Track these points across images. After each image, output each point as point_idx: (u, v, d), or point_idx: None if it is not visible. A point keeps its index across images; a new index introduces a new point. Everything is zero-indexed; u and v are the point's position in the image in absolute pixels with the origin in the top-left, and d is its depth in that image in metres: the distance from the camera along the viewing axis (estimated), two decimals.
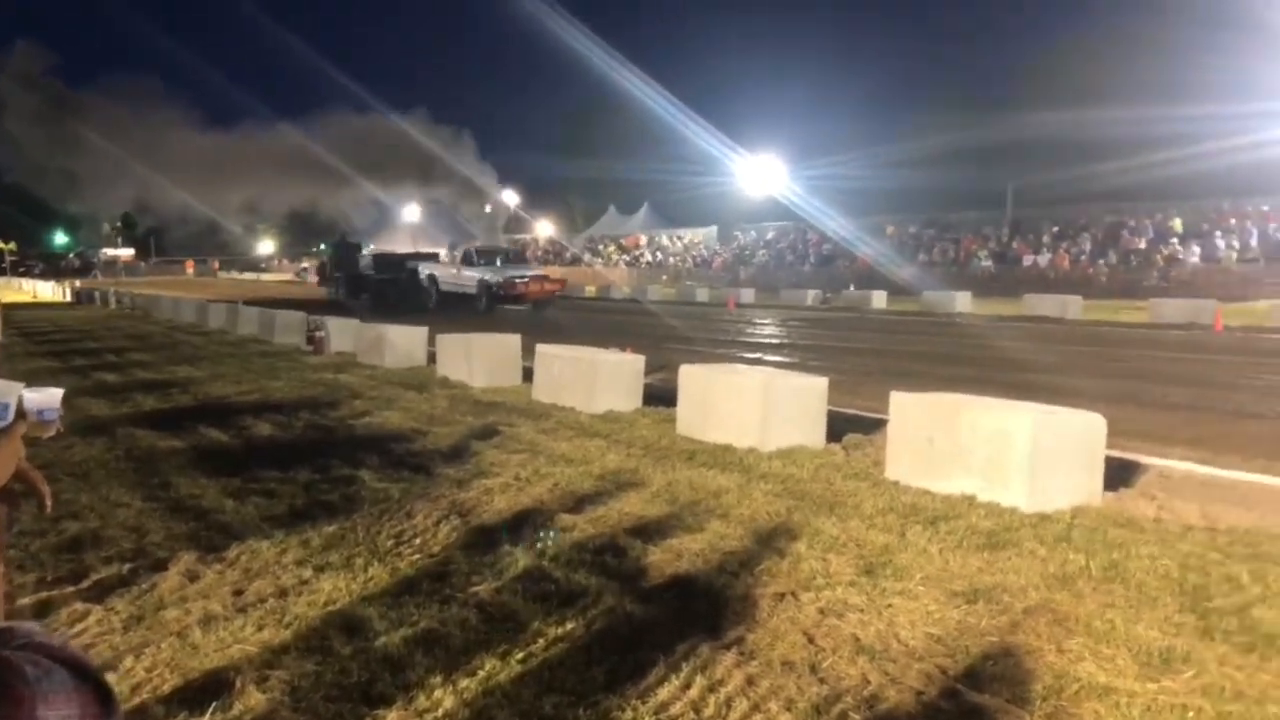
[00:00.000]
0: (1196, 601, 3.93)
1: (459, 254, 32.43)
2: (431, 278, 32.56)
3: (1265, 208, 36.11)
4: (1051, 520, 5.09)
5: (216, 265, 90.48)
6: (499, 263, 31.18)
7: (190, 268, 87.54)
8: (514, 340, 11.29)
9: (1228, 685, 3.18)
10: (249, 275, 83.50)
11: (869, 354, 16.83)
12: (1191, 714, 3.00)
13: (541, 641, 3.58)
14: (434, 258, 36.95)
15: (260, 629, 3.76)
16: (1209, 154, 35.20)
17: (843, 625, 3.75)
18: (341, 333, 15.42)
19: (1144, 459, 6.82)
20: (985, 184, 45.53)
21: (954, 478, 5.69)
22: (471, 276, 30.29)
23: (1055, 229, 41.83)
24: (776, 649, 3.52)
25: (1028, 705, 3.10)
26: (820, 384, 7.48)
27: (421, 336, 13.45)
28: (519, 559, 4.51)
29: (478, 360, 11.03)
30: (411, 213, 73.68)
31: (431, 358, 12.56)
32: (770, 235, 55.93)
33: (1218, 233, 35.71)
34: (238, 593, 4.18)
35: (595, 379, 8.99)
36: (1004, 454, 5.46)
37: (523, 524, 5.13)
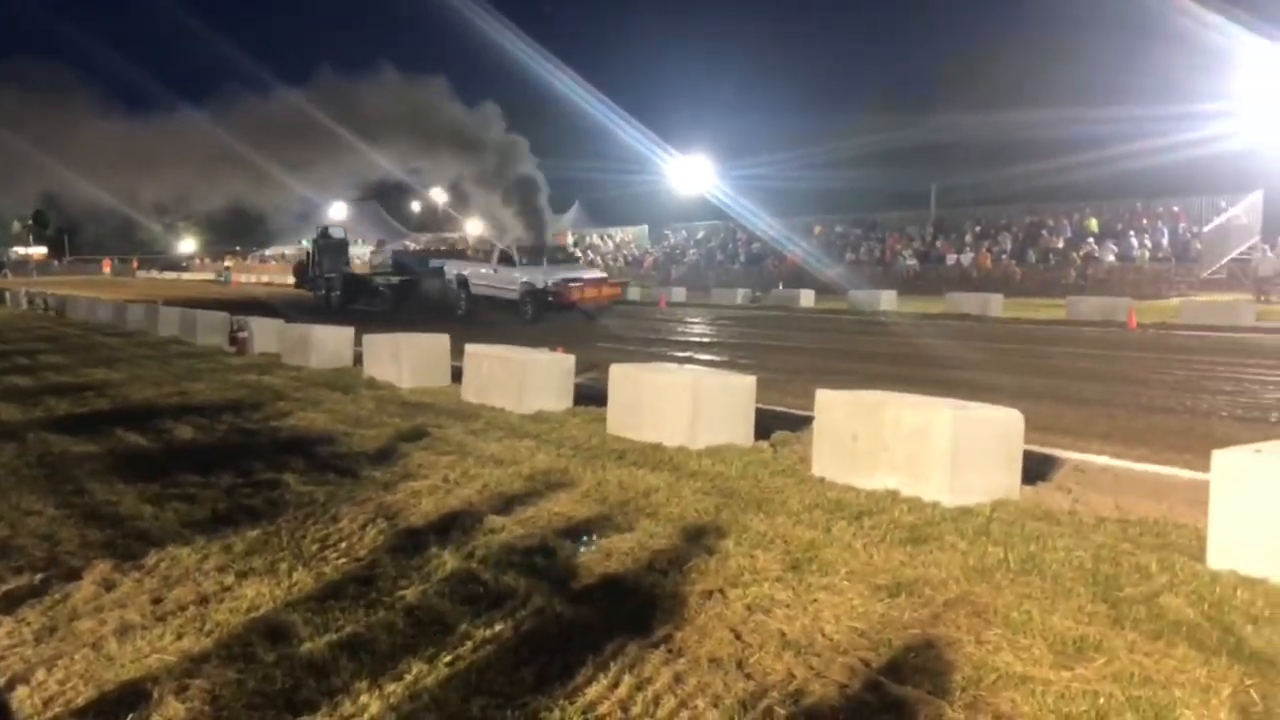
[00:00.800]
0: (1109, 591, 4.06)
1: (495, 251, 27.60)
2: (461, 279, 27.66)
3: (1175, 208, 37.40)
4: (972, 514, 5.21)
5: (135, 264, 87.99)
6: (545, 262, 26.13)
7: (108, 267, 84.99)
8: (443, 340, 11.19)
9: (1137, 671, 3.29)
10: (169, 274, 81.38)
11: (797, 352, 17.03)
12: (1102, 700, 3.10)
13: (469, 644, 3.56)
14: (461, 254, 33.07)
15: (180, 638, 3.67)
16: (1123, 156, 36.36)
17: (769, 621, 3.79)
18: (265, 333, 15.12)
19: (1061, 453, 7.03)
20: (910, 184, 46.39)
21: (878, 473, 5.80)
22: (514, 279, 25.51)
23: (977, 228, 42.80)
24: (704, 646, 3.55)
25: (948, 696, 3.17)
26: (748, 382, 7.55)
27: (348, 336, 13.25)
28: (447, 561, 4.48)
29: (406, 360, 10.90)
30: (339, 210, 72.51)
31: (358, 358, 12.38)
32: (700, 234, 56.24)
33: (1131, 232, 36.88)
34: (156, 601, 4.08)
35: (525, 379, 8.96)
36: (926, 450, 5.58)
37: (451, 526, 5.10)
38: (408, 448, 7.22)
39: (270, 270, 76.20)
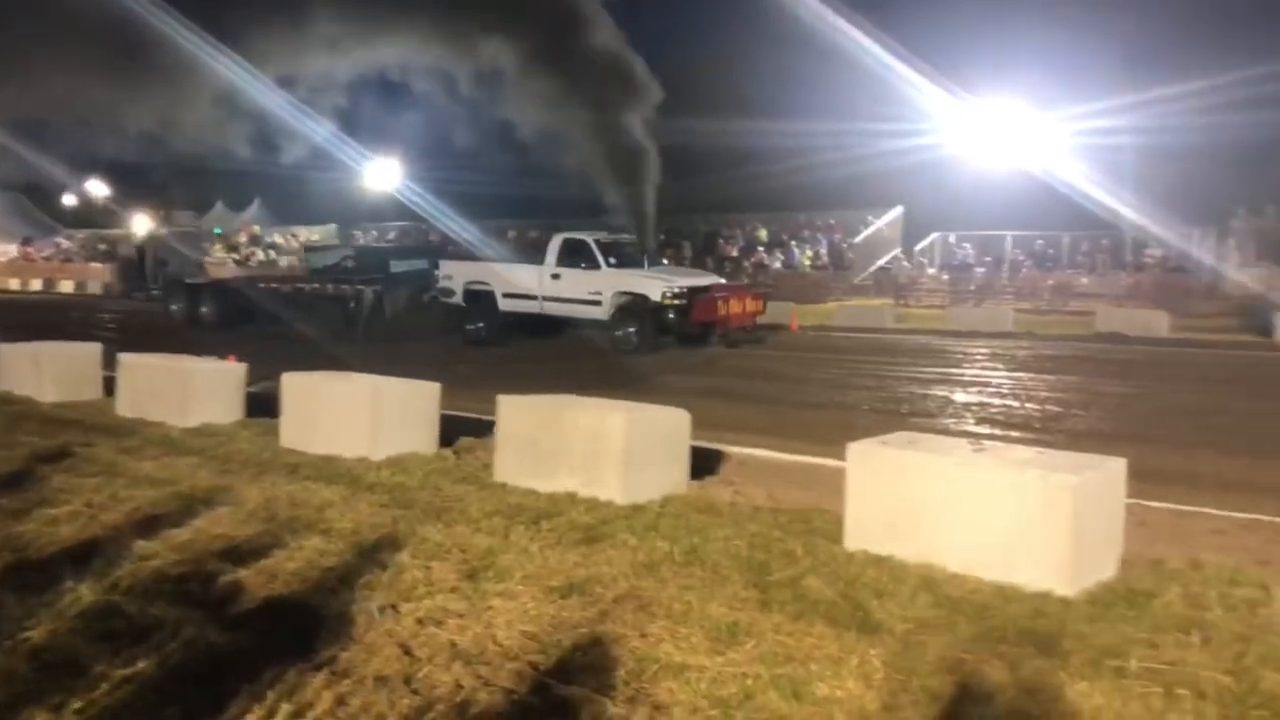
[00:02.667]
0: (760, 576, 4.38)
1: (553, 249, 18.41)
2: (477, 290, 18.90)
3: (832, 220, 41.26)
4: (643, 511, 5.44)
5: None
6: (647, 264, 18.39)
7: None
8: (92, 348, 10.15)
9: (780, 651, 3.57)
10: None
11: (491, 355, 17.03)
12: (750, 680, 3.34)
13: (105, 685, 3.24)
14: (448, 252, 24.15)
15: None
16: (789, 170, 39.56)
17: (441, 633, 3.76)
18: None
19: (726, 448, 7.52)
20: (600, 192, 47.69)
21: (557, 476, 5.92)
22: (597, 287, 17.21)
23: (661, 237, 44.89)
24: (371, 664, 3.45)
25: (612, 691, 3.28)
26: (432, 389, 7.45)
27: None
28: (84, 595, 4.05)
29: (48, 371, 9.77)
30: None
31: None
32: (392, 235, 54.91)
33: (794, 242, 40.27)
34: None
35: (189, 389, 8.32)
36: (601, 451, 5.77)
37: (92, 555, 4.62)
38: (47, 470, 6.46)
39: None
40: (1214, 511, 5.92)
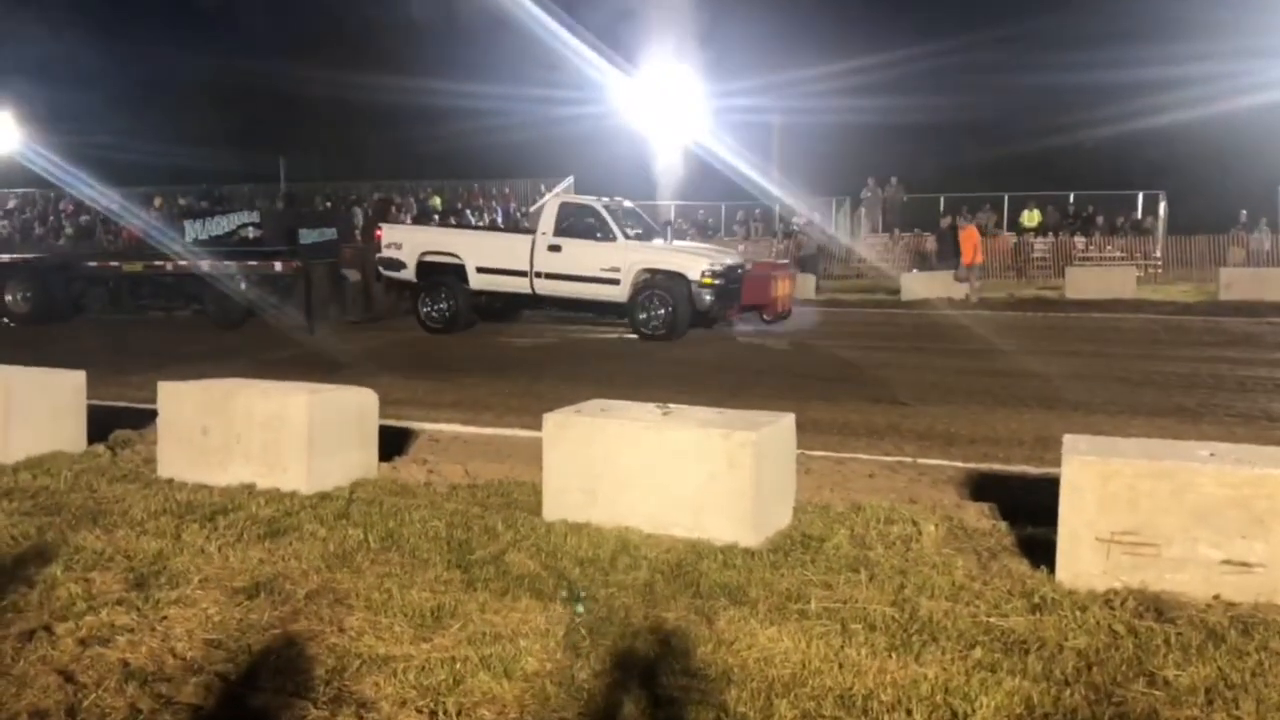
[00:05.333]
0: (462, 556, 4.30)
1: (548, 215, 15.25)
2: (436, 262, 15.63)
3: (506, 189, 41.47)
4: (331, 498, 5.18)
5: None
6: (668, 235, 15.91)
7: None
8: None
9: (488, 630, 3.53)
10: None
11: (144, 329, 15.50)
12: (459, 665, 3.26)
13: None
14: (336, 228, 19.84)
15: None
16: (457, 135, 39.31)
17: (109, 652, 3.36)
18: None
19: (416, 425, 7.34)
20: (260, 161, 45.11)
21: (232, 468, 5.49)
22: (612, 262, 14.35)
23: (328, 203, 43.00)
24: (23, 699, 3.03)
25: (311, 693, 3.09)
26: (75, 379, 6.65)
27: None
28: None
29: None
30: None
31: None
32: (11, 204, 48.43)
33: (469, 210, 40.02)
34: None
35: None
36: (281, 437, 5.42)
37: None
38: None
39: None
40: (865, 456, 6.56)
